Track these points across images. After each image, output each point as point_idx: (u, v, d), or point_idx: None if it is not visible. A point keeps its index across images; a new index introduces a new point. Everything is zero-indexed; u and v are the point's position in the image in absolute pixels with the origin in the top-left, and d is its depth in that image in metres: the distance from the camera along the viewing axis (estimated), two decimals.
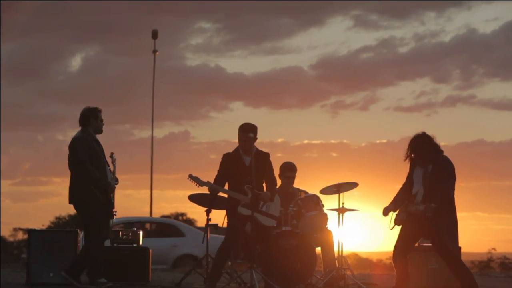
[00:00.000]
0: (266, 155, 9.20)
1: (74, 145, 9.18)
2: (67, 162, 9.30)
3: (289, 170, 10.19)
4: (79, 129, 9.35)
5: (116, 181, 9.42)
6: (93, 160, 9.12)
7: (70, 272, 9.05)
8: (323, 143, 68.50)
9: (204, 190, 9.22)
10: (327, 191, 10.38)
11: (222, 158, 9.12)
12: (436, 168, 8.61)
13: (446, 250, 8.58)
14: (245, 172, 8.88)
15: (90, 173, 9.08)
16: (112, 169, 9.38)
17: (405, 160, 8.82)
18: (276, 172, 9.51)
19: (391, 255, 8.71)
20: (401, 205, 8.61)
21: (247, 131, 9.01)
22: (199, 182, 9.03)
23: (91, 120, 9.31)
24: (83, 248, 9.25)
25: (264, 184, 9.12)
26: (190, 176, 9.06)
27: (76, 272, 9.09)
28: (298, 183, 10.40)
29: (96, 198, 9.04)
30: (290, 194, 10.11)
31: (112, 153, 9.48)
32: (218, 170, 9.09)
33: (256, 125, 9.09)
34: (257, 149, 9.14)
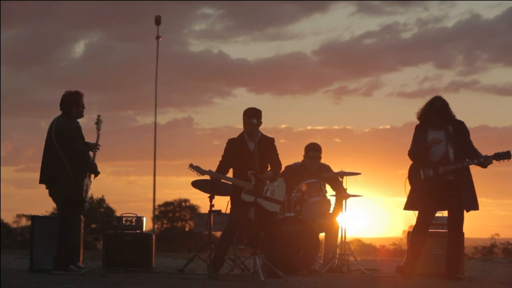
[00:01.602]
0: (271, 140, 9.19)
1: (72, 133, 9.22)
2: None
3: (311, 150, 10.26)
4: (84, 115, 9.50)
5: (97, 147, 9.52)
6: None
7: (59, 266, 9.08)
8: (327, 129, 68.19)
9: (207, 176, 9.21)
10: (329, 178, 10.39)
11: (226, 144, 9.11)
12: (459, 129, 8.70)
13: (460, 224, 8.69)
14: (249, 158, 8.86)
15: (88, 161, 9.28)
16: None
17: (419, 118, 8.82)
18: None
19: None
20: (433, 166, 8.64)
21: (251, 116, 8.99)
22: (200, 171, 9.03)
23: (72, 107, 9.37)
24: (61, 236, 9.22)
25: (268, 170, 9.11)
26: (191, 166, 9.05)
27: (65, 261, 9.11)
28: None
29: (72, 178, 9.14)
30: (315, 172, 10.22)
31: (98, 116, 9.59)
32: (223, 156, 9.08)
33: (261, 109, 9.08)
34: (262, 134, 9.12)
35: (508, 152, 8.62)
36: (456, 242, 8.81)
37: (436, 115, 8.75)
